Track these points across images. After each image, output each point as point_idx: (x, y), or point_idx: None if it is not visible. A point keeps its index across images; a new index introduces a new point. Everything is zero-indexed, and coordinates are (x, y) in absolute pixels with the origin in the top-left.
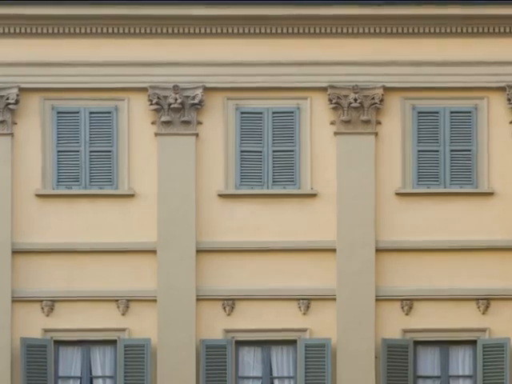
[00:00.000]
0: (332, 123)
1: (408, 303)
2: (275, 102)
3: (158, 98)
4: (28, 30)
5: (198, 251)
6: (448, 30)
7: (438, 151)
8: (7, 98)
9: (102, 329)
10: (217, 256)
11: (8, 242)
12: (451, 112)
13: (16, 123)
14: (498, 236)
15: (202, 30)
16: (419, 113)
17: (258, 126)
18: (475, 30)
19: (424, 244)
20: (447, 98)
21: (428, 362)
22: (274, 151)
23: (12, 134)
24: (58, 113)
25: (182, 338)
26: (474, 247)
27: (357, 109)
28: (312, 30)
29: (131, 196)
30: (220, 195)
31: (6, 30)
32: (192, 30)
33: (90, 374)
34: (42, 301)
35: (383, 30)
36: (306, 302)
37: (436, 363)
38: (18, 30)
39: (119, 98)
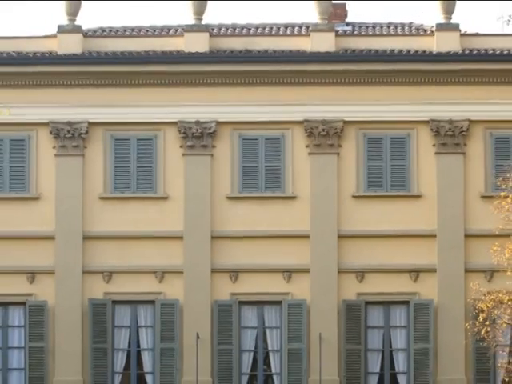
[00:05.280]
0: (307, 146)
1: (361, 274)
2: (266, 132)
3: (185, 129)
4: (95, 82)
5: (213, 237)
6: (389, 80)
7: (381, 166)
8: (80, 130)
9: (145, 292)
10: (226, 241)
11: (80, 231)
12: (391, 138)
13: (86, 147)
14: (424, 226)
15: (216, 81)
16: (369, 139)
17: (254, 149)
18: (408, 80)
19: (372, 232)
20: (388, 128)
21: (375, 317)
22: (265, 166)
23: (83, 155)
24: (115, 140)
25: (201, 299)
26: (408, 234)
27: (324, 136)
28: (293, 80)
29: (166, 198)
30: (228, 197)
31: (77, 82)
32: (208, 81)
33: (137, 324)
34: (103, 272)
35: (342, 80)
36: (288, 273)
37: (380, 317)
38: (86, 82)
39: (157, 129)
